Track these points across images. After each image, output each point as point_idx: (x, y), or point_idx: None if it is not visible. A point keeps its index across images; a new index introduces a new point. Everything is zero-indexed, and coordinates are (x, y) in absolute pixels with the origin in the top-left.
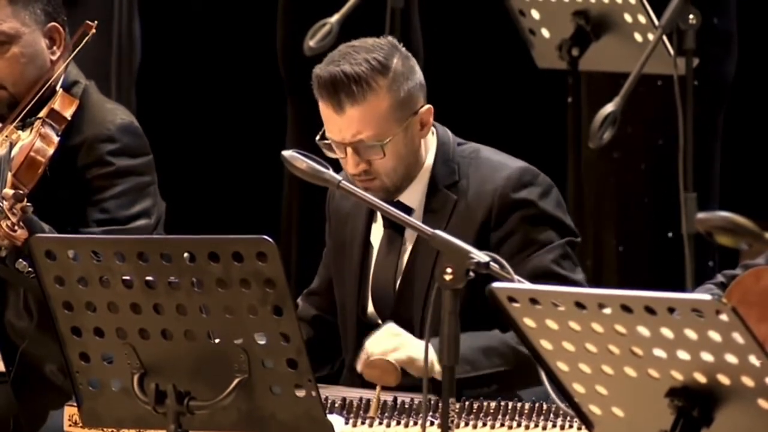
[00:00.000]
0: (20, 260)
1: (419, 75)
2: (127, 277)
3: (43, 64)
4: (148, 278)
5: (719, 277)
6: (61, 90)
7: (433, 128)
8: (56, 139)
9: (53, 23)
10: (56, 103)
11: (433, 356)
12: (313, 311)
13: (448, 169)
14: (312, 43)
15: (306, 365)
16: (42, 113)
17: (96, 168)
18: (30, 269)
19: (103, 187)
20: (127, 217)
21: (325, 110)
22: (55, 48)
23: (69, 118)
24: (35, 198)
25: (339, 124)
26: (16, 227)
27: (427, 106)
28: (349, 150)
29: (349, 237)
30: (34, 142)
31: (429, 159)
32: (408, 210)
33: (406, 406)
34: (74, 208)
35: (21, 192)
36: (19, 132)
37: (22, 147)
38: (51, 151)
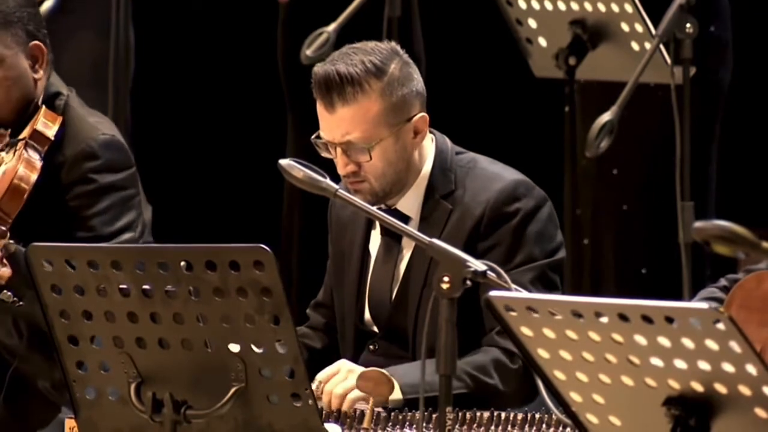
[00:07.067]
0: (4, 291)
1: (418, 83)
2: (124, 286)
3: (27, 85)
4: (145, 287)
5: (722, 281)
6: (43, 107)
7: (432, 136)
8: (39, 164)
9: (35, 42)
10: (39, 123)
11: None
12: (323, 320)
13: (445, 179)
14: (309, 52)
15: (303, 374)
16: (25, 133)
17: (79, 186)
18: (15, 299)
19: (86, 205)
20: (111, 233)
21: (319, 108)
22: (37, 66)
23: (52, 139)
24: (18, 218)
25: (330, 123)
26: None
27: (422, 114)
28: (339, 150)
29: (348, 245)
30: (18, 168)
31: (426, 167)
32: (405, 218)
33: (400, 417)
34: (58, 227)
35: (4, 229)
36: (2, 154)
37: (5, 173)
38: (35, 176)
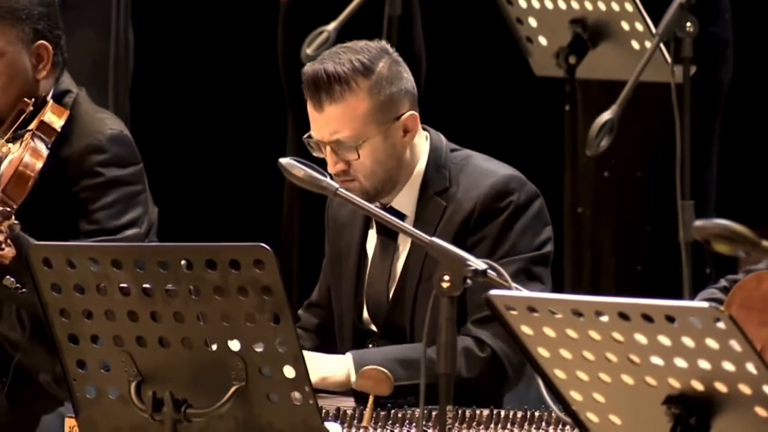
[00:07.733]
0: (7, 277)
1: (407, 81)
2: (125, 285)
3: (26, 82)
4: (146, 286)
5: (722, 282)
6: (51, 101)
7: (426, 133)
8: (45, 153)
9: (42, 41)
10: (46, 115)
11: (352, 369)
12: (315, 320)
13: (439, 176)
14: (309, 50)
15: (303, 373)
16: (32, 125)
17: (86, 179)
18: (18, 285)
19: (92, 198)
20: (116, 227)
21: (308, 107)
22: (41, 66)
23: (59, 130)
24: (25, 210)
25: (319, 122)
26: (3, 245)
27: (412, 112)
28: (328, 149)
29: (346, 244)
30: (23, 156)
31: (421, 164)
32: (401, 216)
33: (400, 415)
34: (65, 220)
35: (9, 209)
36: (9, 145)
37: (12, 161)
38: (40, 164)
